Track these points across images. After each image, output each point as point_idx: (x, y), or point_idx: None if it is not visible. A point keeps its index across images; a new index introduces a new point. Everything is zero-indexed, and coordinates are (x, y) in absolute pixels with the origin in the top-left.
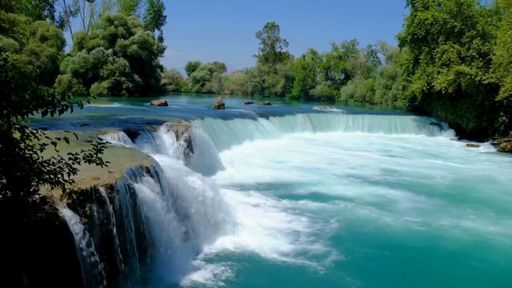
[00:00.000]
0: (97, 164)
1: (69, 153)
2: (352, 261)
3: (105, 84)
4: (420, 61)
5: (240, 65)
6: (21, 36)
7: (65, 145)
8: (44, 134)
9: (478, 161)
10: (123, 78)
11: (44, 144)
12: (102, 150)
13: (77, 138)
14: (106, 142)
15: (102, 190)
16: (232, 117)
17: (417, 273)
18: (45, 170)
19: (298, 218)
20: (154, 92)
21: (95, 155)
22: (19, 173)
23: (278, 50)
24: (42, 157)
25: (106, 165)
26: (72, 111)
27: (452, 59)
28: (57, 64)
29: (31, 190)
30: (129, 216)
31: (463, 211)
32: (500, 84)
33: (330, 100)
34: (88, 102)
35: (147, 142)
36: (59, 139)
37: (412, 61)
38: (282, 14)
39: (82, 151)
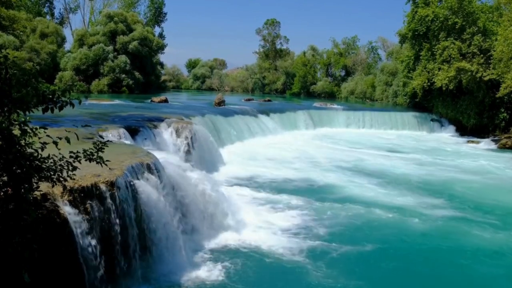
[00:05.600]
0: (97, 162)
1: (70, 152)
2: (353, 259)
3: (106, 81)
4: (421, 57)
5: (241, 62)
6: (21, 33)
7: (66, 143)
8: (45, 132)
9: (478, 157)
10: (124, 75)
11: (45, 143)
12: (103, 148)
13: (78, 139)
14: (107, 140)
15: (102, 187)
16: (232, 114)
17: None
18: (45, 167)
19: (300, 215)
20: (154, 89)
21: (96, 154)
22: (19, 170)
23: (278, 47)
24: (41, 155)
25: (106, 164)
26: (73, 107)
27: (453, 56)
28: (57, 61)
29: (31, 187)
30: (130, 213)
31: (462, 208)
32: (501, 80)
33: (330, 96)
34: (86, 98)
35: (148, 139)
36: (60, 138)
37: (412, 57)
38: (283, 11)
39: (84, 150)
